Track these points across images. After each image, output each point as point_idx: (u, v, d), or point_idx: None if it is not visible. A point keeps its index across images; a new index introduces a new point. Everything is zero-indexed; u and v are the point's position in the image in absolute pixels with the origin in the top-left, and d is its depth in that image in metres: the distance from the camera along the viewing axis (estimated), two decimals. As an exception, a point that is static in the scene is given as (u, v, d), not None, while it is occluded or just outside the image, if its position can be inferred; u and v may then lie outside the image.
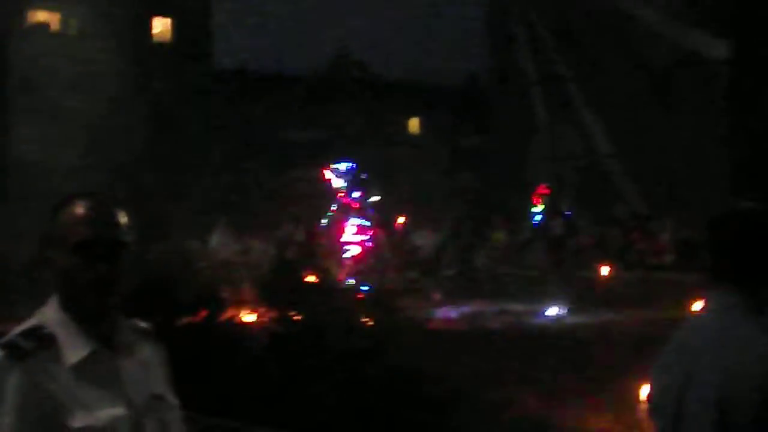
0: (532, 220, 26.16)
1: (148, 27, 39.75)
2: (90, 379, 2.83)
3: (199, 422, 10.25)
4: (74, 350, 2.84)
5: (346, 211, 21.97)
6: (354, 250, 19.86)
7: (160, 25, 40.36)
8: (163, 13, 40.21)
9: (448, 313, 18.83)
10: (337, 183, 22.72)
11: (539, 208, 26.45)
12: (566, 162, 33.27)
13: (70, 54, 35.12)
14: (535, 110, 35.75)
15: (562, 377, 11.66)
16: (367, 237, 21.24)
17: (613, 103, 32.69)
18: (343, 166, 22.81)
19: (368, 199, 22.28)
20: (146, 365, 3.02)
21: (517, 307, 20.18)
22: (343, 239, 20.79)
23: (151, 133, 34.06)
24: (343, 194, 22.66)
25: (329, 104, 41.89)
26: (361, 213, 22.09)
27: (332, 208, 22.37)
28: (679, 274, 20.78)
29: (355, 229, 21.24)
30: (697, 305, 3.57)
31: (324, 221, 22.19)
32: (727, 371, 3.12)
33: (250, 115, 38.04)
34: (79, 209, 2.89)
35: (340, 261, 19.05)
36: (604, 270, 21.81)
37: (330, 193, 22.54)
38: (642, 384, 7.92)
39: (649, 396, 3.53)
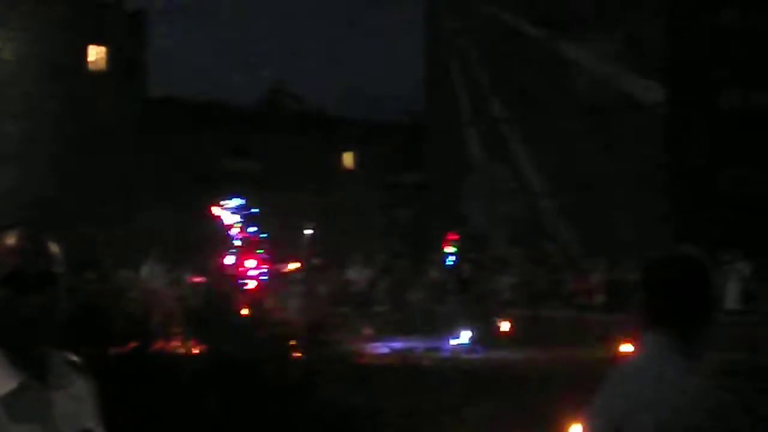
0: (445, 262, 26.36)
1: (84, 55, 39.54)
2: (19, 412, 2.76)
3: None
4: (3, 382, 2.78)
5: (246, 246, 22.11)
6: (251, 284, 19.83)
7: (95, 53, 40.17)
8: (99, 42, 40.05)
9: (380, 348, 18.85)
10: (230, 219, 22.90)
11: (451, 251, 26.64)
12: (500, 199, 33.51)
13: (4, 79, 34.84)
14: (469, 148, 36.06)
15: (490, 413, 11.68)
16: (263, 271, 21.25)
17: (549, 143, 33.07)
18: (233, 203, 22.90)
19: (261, 234, 22.37)
20: (77, 399, 2.96)
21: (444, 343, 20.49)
22: (243, 273, 20.85)
23: (83, 160, 33.80)
24: (238, 230, 22.78)
25: (264, 135, 41.85)
26: (256, 247, 22.20)
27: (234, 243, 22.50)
28: (608, 315, 20.99)
29: (254, 263, 21.34)
30: (625, 346, 3.60)
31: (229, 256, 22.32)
32: (661, 414, 3.16)
33: (183, 144, 37.89)
34: (7, 241, 2.85)
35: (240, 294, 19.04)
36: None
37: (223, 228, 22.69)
38: (571, 423, 7.99)
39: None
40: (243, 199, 23.36)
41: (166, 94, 42.43)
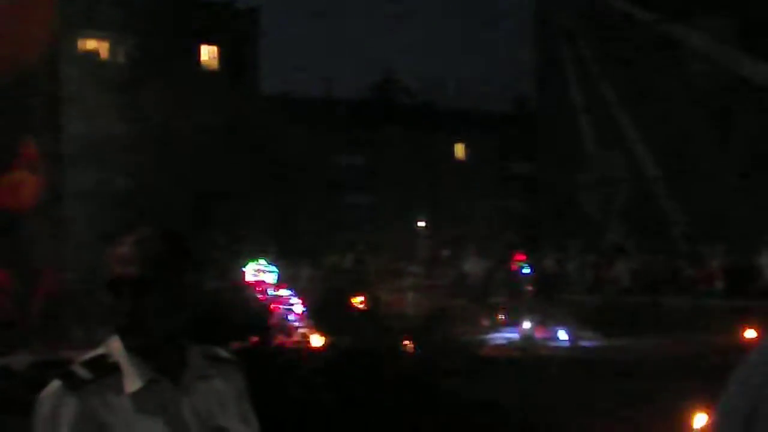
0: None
1: (196, 55, 40.16)
2: (147, 410, 2.81)
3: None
4: (134, 379, 2.82)
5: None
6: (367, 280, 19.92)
7: (207, 53, 40.78)
8: (210, 41, 40.63)
9: (498, 339, 18.80)
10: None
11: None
12: (615, 187, 33.12)
13: (118, 80, 35.51)
14: (583, 136, 35.72)
15: (618, 405, 11.58)
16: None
17: (663, 129, 32.56)
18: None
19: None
20: (218, 395, 3.00)
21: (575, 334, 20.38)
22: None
23: (197, 161, 34.29)
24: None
25: (377, 129, 42.00)
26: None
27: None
28: (729, 301, 20.64)
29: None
30: (749, 332, 3.52)
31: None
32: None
33: (297, 140, 38.24)
34: (128, 247, 2.92)
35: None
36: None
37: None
38: (696, 412, 7.90)
39: (713, 424, 3.50)
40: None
41: (280, 91, 42.89)
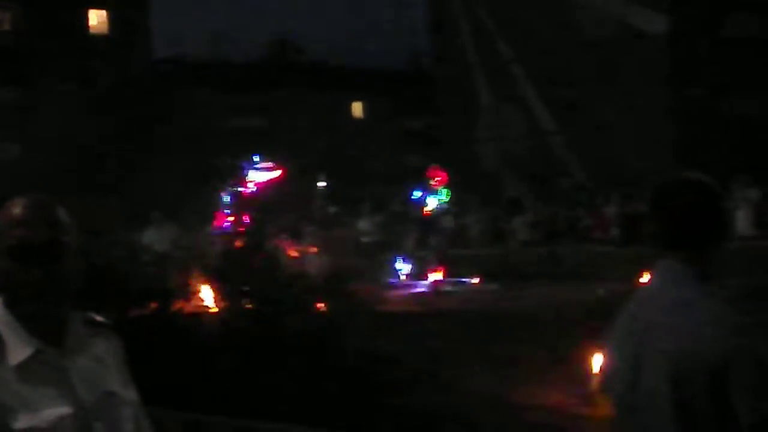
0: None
1: (85, 19, 39.43)
2: (35, 379, 2.75)
3: (158, 416, 10.23)
4: (18, 350, 2.76)
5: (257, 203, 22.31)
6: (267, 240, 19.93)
7: (96, 18, 40.05)
8: (98, 6, 39.92)
9: (399, 294, 18.93)
10: (260, 178, 22.99)
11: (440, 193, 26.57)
12: (512, 141, 33.43)
13: (3, 49, 34.74)
14: (478, 91, 35.95)
15: (515, 352, 11.73)
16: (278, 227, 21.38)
17: (556, 80, 32.91)
18: (259, 163, 23.05)
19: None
20: (99, 361, 2.95)
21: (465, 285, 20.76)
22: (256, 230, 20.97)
23: (89, 125, 33.72)
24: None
25: (271, 91, 41.72)
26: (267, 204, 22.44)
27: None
28: (624, 248, 21.00)
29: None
30: (643, 278, 3.60)
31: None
32: (677, 339, 3.16)
33: (189, 103, 37.80)
34: (14, 210, 2.82)
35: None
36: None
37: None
38: (593, 356, 8.02)
39: (602, 370, 3.57)
40: (261, 156, 23.42)
41: (169, 55, 42.28)
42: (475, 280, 21.45)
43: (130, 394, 3.02)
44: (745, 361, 3.08)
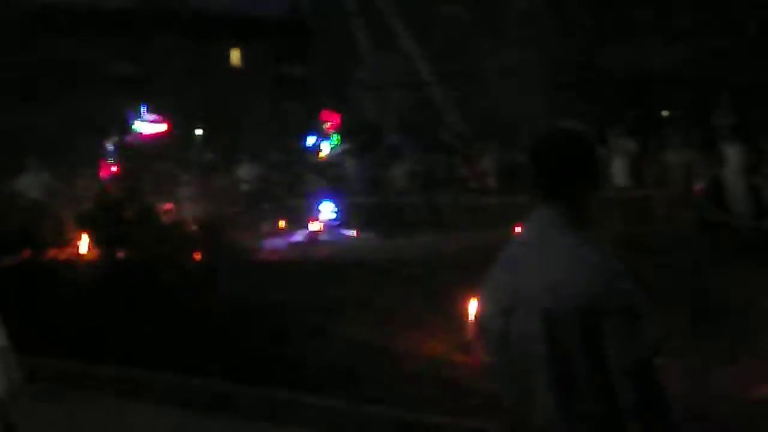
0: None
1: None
2: None
3: (35, 365, 10.09)
4: None
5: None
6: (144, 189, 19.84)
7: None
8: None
9: (275, 244, 18.84)
10: (148, 129, 22.77)
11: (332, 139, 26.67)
12: (390, 89, 33.40)
13: None
14: (357, 39, 35.80)
15: (394, 301, 11.80)
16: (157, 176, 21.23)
17: (434, 29, 32.96)
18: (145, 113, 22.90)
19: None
20: None
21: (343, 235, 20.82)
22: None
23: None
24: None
25: (148, 38, 40.93)
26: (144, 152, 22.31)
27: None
28: (501, 198, 21.22)
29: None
30: (519, 228, 3.64)
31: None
32: (551, 284, 3.20)
33: (63, 50, 36.87)
34: None
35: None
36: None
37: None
38: (468, 304, 8.11)
39: (476, 316, 3.60)
40: (147, 108, 23.12)
41: (44, 2, 41.16)
42: (353, 231, 21.49)
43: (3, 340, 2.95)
44: (617, 307, 3.14)
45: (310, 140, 26.85)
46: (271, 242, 18.68)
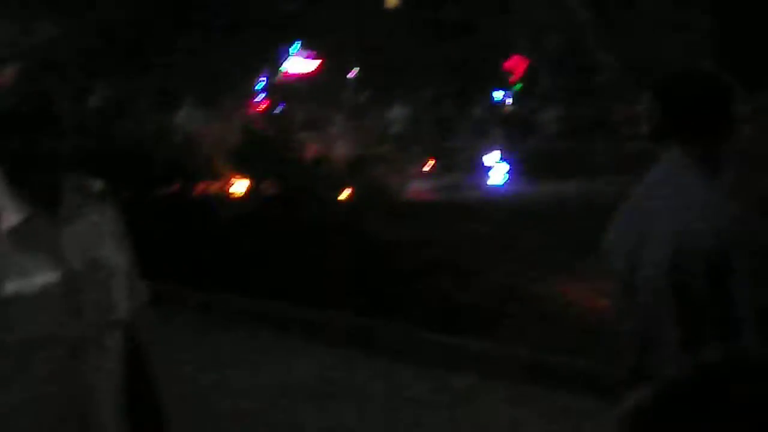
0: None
1: None
2: (25, 245, 2.78)
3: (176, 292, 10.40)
4: (10, 216, 2.80)
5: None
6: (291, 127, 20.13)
7: None
8: None
9: (424, 185, 18.89)
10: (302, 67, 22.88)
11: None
12: (544, 31, 32.95)
13: None
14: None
15: (539, 245, 11.77)
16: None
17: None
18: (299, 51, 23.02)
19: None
20: (92, 226, 2.97)
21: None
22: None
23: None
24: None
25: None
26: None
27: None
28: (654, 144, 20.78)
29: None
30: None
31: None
32: (680, 225, 3.16)
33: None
34: (3, 80, 2.85)
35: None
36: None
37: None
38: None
39: (605, 250, 3.56)
40: (299, 45, 23.30)
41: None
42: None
43: (121, 262, 3.03)
44: (745, 249, 3.08)
45: (497, 94, 26.66)
46: (419, 183, 18.73)
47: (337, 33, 29.57)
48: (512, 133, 23.88)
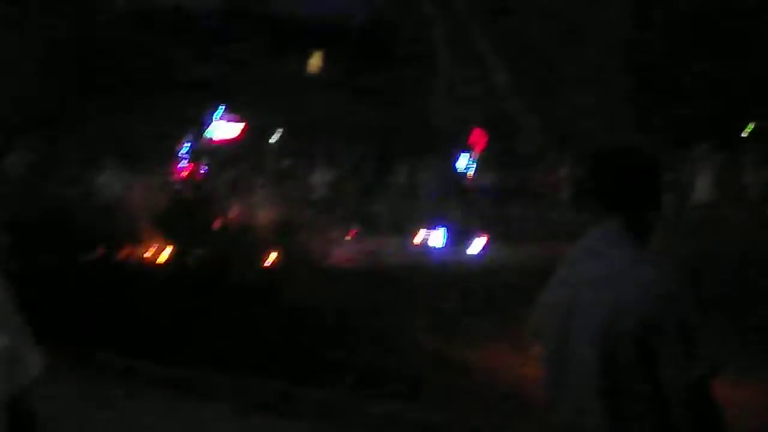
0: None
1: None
2: None
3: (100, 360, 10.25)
4: None
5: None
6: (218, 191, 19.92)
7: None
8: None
9: (345, 251, 18.84)
10: (226, 133, 23.04)
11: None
12: (467, 99, 33.33)
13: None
14: (435, 48, 35.78)
15: (459, 311, 11.78)
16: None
17: (514, 38, 32.82)
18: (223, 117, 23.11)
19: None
20: None
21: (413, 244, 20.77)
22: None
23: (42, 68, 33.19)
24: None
25: (229, 40, 41.32)
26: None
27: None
28: (575, 210, 20.98)
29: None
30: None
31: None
32: (607, 301, 3.19)
33: (148, 51, 37.35)
34: None
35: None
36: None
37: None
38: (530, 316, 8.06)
39: (533, 330, 3.59)
40: (224, 110, 23.35)
41: (135, 8, 41.73)
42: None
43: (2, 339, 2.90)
44: (672, 328, 3.11)
45: (462, 162, 26.82)
46: (343, 248, 18.68)
47: (260, 97, 29.67)
48: (466, 199, 24.04)
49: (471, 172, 26.27)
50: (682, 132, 22.18)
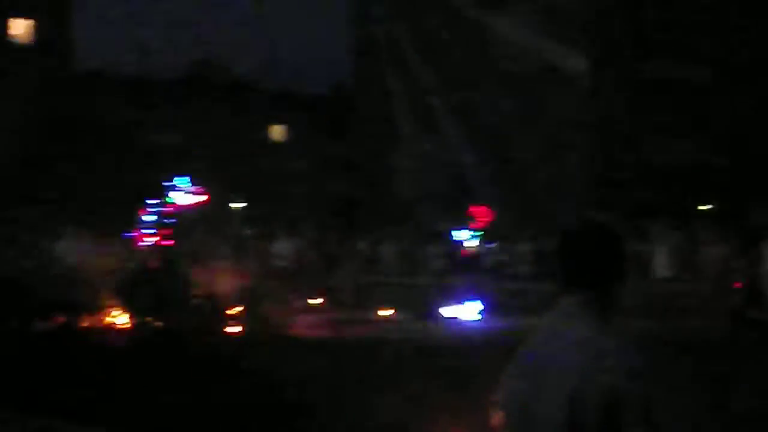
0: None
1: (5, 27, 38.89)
2: None
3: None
4: None
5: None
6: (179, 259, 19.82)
7: (21, 27, 39.53)
8: (22, 15, 39.38)
9: (309, 321, 18.75)
10: (184, 200, 23.01)
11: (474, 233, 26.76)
12: (429, 171, 33.50)
13: None
14: (398, 120, 36.02)
15: (427, 384, 11.72)
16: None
17: (475, 114, 33.13)
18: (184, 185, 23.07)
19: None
20: None
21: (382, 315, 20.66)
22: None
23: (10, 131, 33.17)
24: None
25: (191, 108, 41.45)
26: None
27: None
28: (535, 284, 21.08)
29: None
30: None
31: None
32: (573, 378, 3.21)
33: (110, 117, 37.38)
34: None
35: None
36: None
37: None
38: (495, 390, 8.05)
39: (498, 402, 3.60)
40: (186, 178, 23.31)
41: (93, 68, 41.83)
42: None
43: None
44: (635, 403, 3.15)
45: (463, 234, 26.89)
46: (306, 318, 18.58)
47: (222, 163, 29.73)
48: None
49: (472, 243, 26.29)
50: (642, 210, 22.40)
